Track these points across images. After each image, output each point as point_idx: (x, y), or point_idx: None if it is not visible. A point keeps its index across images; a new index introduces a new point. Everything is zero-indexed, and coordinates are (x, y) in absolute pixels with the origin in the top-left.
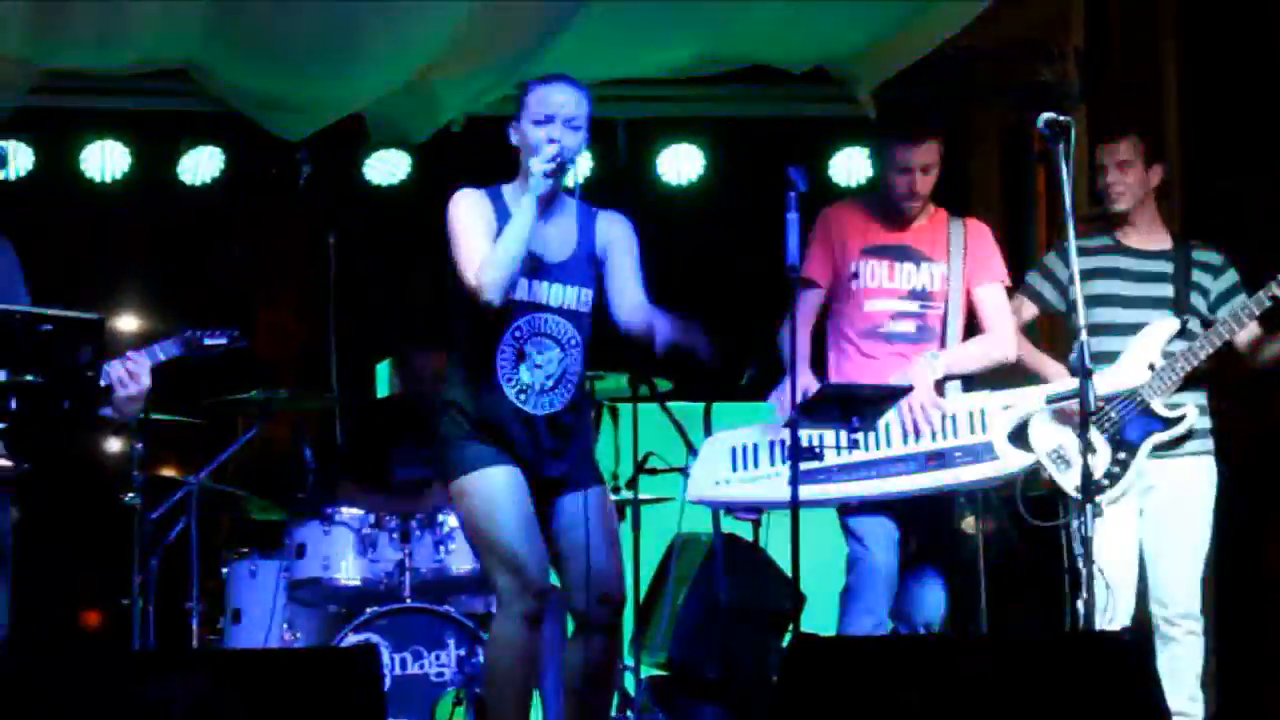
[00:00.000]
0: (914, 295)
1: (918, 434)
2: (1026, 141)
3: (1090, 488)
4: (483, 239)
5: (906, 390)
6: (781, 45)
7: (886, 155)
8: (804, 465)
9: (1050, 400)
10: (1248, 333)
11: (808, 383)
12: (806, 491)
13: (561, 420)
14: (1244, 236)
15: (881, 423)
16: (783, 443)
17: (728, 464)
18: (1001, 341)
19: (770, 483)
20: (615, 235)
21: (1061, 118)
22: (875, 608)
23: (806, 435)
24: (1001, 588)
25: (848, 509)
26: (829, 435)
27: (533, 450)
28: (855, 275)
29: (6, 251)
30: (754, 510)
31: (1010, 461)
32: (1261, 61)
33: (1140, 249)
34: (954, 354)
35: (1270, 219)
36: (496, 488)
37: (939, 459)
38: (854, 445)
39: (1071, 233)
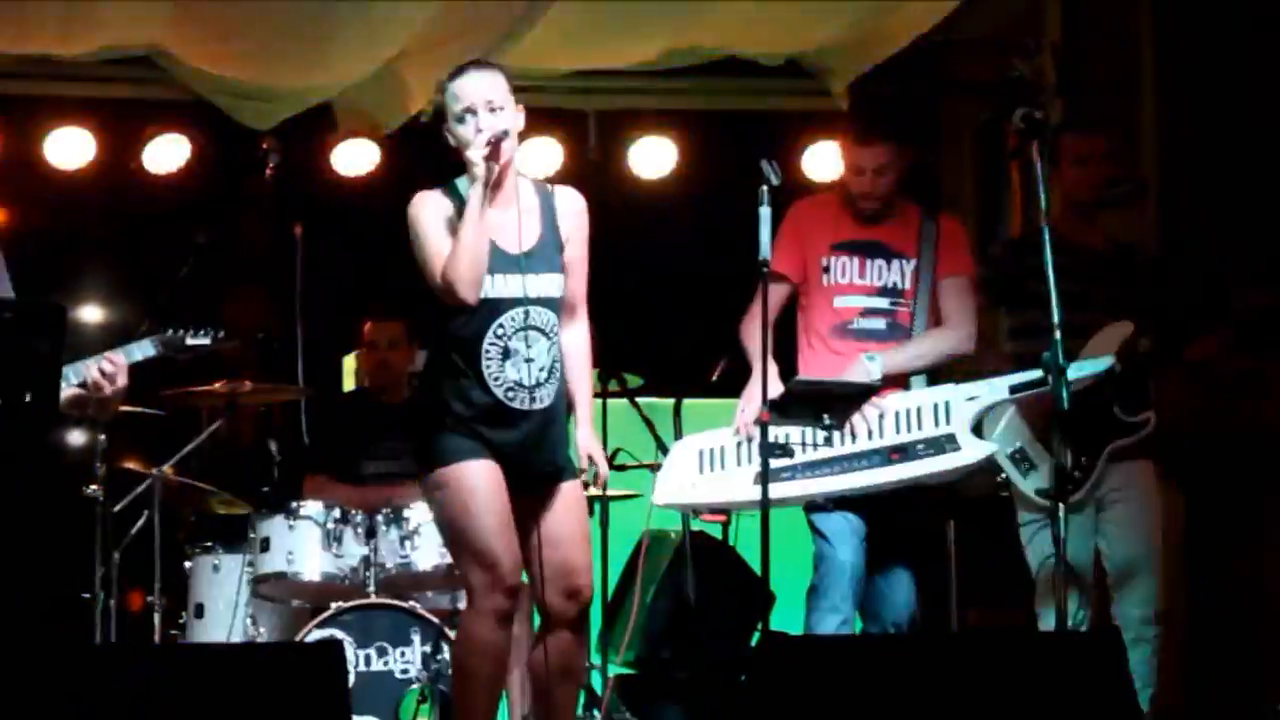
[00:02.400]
0: (884, 292)
1: (869, 433)
2: (1001, 137)
3: (1065, 487)
4: (445, 239)
5: (877, 389)
6: (755, 38)
7: (843, 154)
8: (771, 465)
9: (1014, 390)
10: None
11: (772, 382)
12: (771, 490)
13: (546, 418)
14: (1221, 232)
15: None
16: (751, 442)
17: (695, 467)
18: (958, 335)
19: (735, 482)
20: (574, 223)
21: (1037, 113)
22: (841, 605)
23: (773, 433)
24: (972, 587)
25: (813, 506)
26: (796, 433)
27: (518, 446)
28: (825, 271)
29: None
30: (720, 511)
31: (971, 452)
32: (1238, 55)
33: (1085, 246)
34: (900, 353)
35: (1248, 214)
36: (473, 482)
37: (902, 453)
38: (829, 442)
39: (1045, 230)
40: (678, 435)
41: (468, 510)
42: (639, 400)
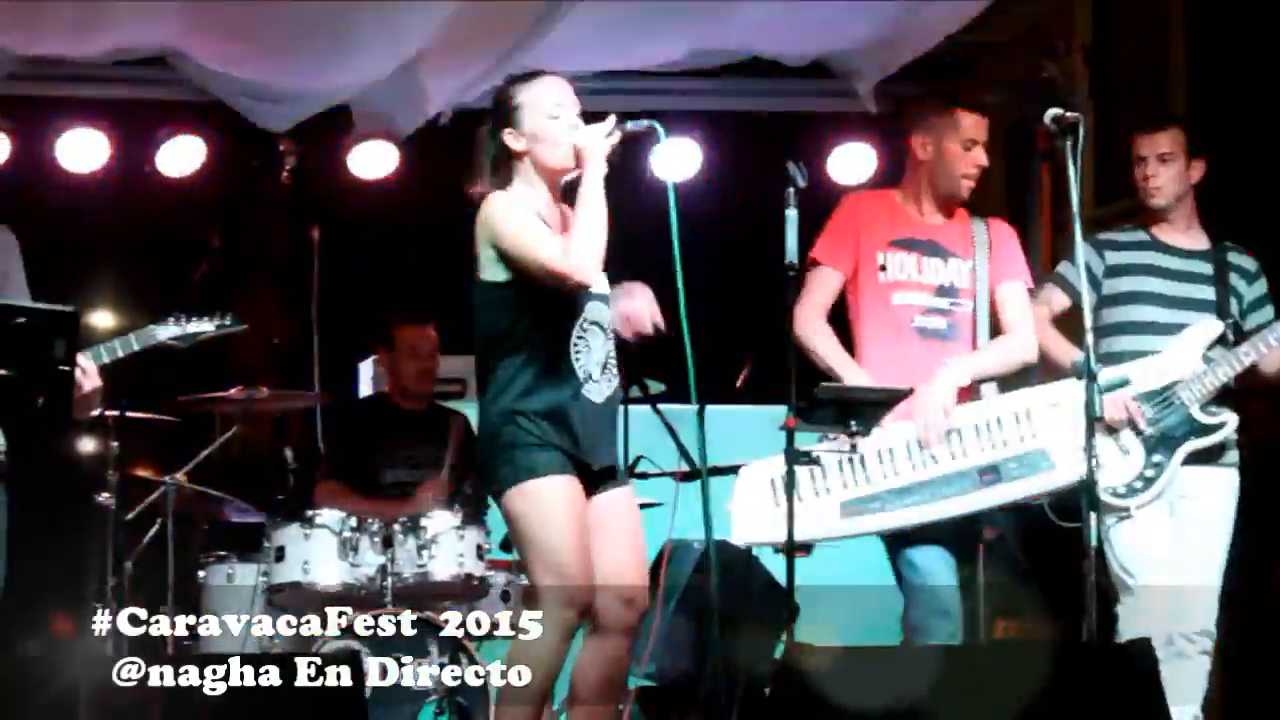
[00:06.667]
0: (942, 291)
1: (951, 454)
2: (1031, 138)
3: (1095, 496)
4: (542, 227)
5: (906, 394)
6: (779, 38)
7: (946, 128)
8: (854, 493)
9: (1099, 393)
10: (1276, 353)
11: (857, 378)
12: (861, 523)
13: (611, 411)
14: (1254, 236)
15: (905, 441)
16: (821, 470)
17: (770, 498)
18: (1023, 343)
19: (821, 514)
20: None
21: (1069, 114)
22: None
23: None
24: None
25: (899, 541)
26: (898, 447)
27: (591, 441)
28: (882, 267)
29: (8, 242)
30: (805, 548)
31: (1068, 471)
32: (1270, 54)
33: (1180, 247)
34: (977, 360)
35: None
36: (558, 496)
37: (993, 473)
38: (853, 450)
39: (1078, 232)
40: (701, 443)
41: (548, 524)
42: (661, 406)
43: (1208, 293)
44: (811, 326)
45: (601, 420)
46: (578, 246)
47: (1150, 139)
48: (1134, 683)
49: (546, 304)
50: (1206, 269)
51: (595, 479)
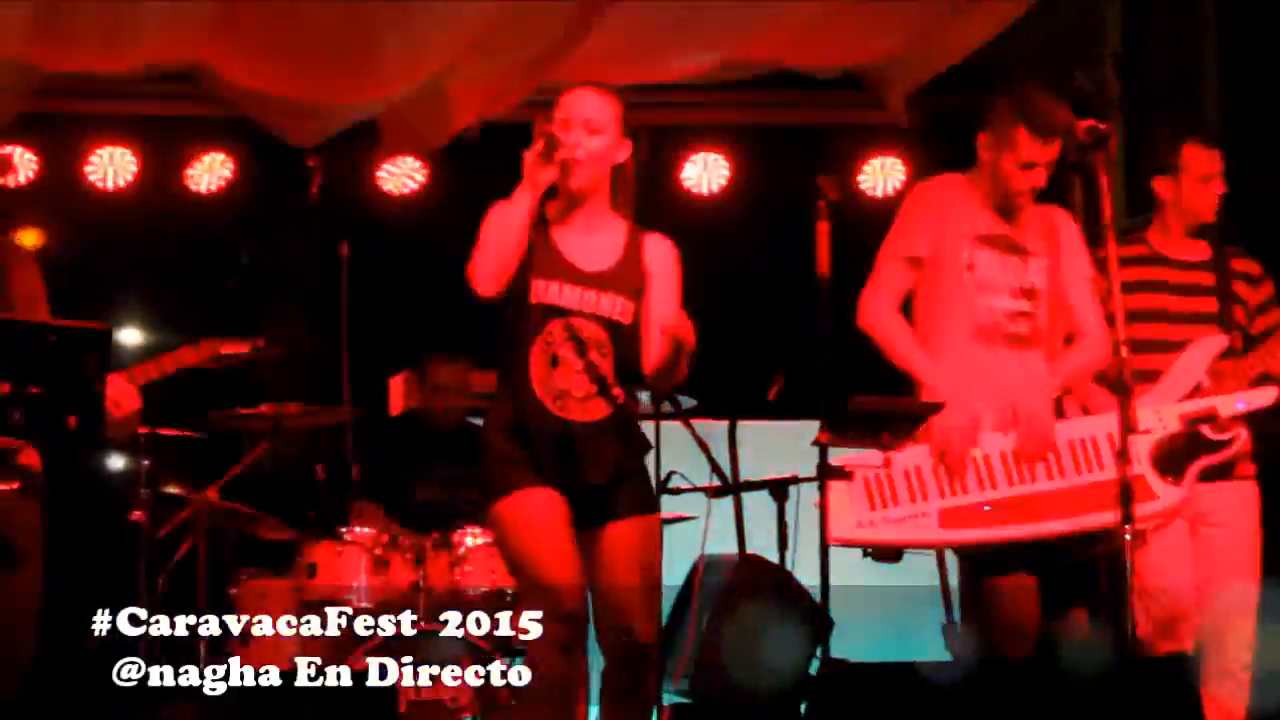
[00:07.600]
0: (1025, 294)
1: (1049, 473)
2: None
3: (1129, 510)
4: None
5: (939, 408)
6: (810, 51)
7: (1007, 142)
8: (952, 503)
9: (1189, 420)
10: None
11: (935, 380)
12: (961, 535)
13: (600, 432)
14: None
15: (1000, 452)
16: (919, 473)
17: (865, 501)
18: (1102, 348)
19: (919, 523)
20: (659, 258)
21: (1100, 126)
22: None
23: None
24: None
25: (983, 569)
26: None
27: (569, 460)
28: (970, 266)
29: (29, 265)
30: (895, 554)
31: (1165, 498)
32: None
33: (1181, 260)
34: (1069, 367)
35: None
36: (528, 512)
37: (1096, 496)
38: (888, 464)
39: (1112, 245)
40: (733, 458)
41: (523, 540)
42: (693, 422)
43: (1210, 305)
44: (890, 321)
45: (584, 442)
46: (475, 254)
47: (1212, 155)
48: (1173, 699)
49: (505, 315)
50: (1209, 280)
51: (598, 505)
